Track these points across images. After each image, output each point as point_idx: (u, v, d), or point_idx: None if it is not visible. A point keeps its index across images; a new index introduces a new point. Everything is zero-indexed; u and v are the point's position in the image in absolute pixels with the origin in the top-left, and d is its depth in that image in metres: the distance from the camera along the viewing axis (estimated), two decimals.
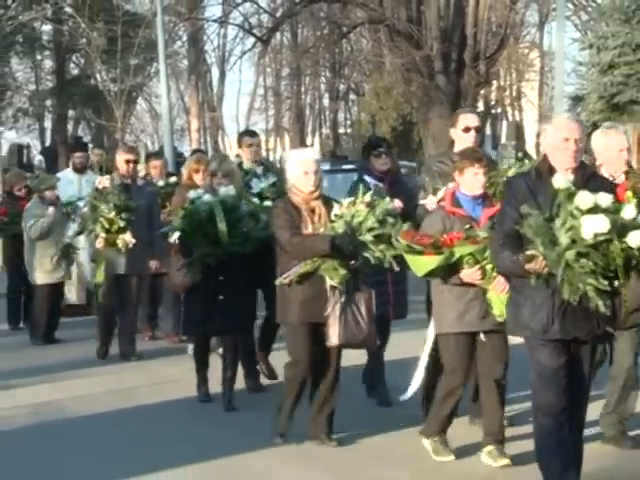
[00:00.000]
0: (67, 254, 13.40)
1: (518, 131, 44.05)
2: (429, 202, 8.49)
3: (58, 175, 15.70)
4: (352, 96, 54.61)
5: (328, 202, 8.39)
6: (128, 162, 12.02)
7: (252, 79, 59.30)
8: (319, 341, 8.21)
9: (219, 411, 9.73)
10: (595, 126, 25.37)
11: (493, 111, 51.89)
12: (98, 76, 37.59)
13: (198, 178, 11.20)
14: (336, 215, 8.20)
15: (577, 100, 25.79)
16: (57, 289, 13.74)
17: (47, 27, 41.06)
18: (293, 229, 8.17)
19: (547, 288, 6.39)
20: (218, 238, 9.09)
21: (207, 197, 9.37)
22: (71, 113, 44.58)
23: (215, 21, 45.26)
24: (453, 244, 7.49)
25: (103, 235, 11.58)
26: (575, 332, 6.53)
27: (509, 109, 56.04)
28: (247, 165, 10.90)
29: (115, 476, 7.84)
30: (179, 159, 22.13)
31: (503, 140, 42.90)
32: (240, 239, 9.17)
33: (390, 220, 8.14)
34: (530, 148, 40.54)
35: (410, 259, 7.74)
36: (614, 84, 23.69)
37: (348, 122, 56.44)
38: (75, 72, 44.43)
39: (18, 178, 15.43)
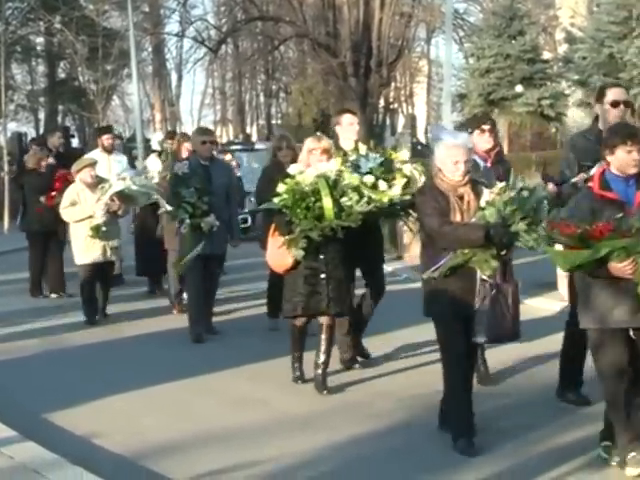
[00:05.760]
0: (97, 233, 10.64)
1: (412, 122, 44.17)
2: (580, 180, 6.55)
3: (87, 156, 12.83)
4: (282, 94, 54.23)
5: (477, 187, 6.25)
6: (204, 143, 9.95)
7: (203, 81, 59.11)
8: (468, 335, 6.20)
9: (187, 341, 9.67)
10: (475, 116, 25.65)
11: (392, 106, 51.92)
12: (82, 78, 37.18)
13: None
14: (487, 202, 6.15)
15: (461, 97, 25.91)
16: (98, 267, 10.93)
17: (40, 39, 40.47)
18: (443, 217, 6.09)
19: None
20: (322, 212, 7.27)
21: (310, 171, 7.45)
22: (60, 108, 44.22)
23: (174, 35, 45.33)
24: (603, 236, 5.25)
25: (188, 221, 9.55)
26: None
27: (404, 104, 56.09)
28: (348, 145, 8.16)
29: (106, 392, 7.66)
30: (146, 144, 21.73)
31: (400, 129, 42.98)
32: (344, 213, 7.32)
33: (545, 208, 6.20)
34: (420, 135, 40.73)
35: (553, 253, 5.66)
36: (490, 84, 23.94)
37: (279, 115, 56.11)
38: (63, 75, 43.84)
39: (41, 155, 13.37)
